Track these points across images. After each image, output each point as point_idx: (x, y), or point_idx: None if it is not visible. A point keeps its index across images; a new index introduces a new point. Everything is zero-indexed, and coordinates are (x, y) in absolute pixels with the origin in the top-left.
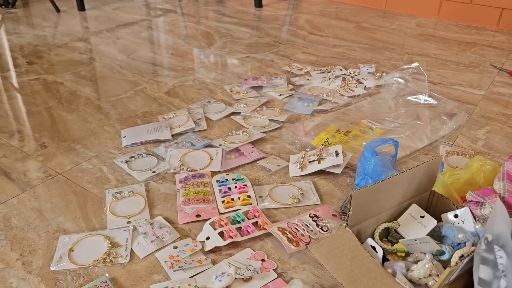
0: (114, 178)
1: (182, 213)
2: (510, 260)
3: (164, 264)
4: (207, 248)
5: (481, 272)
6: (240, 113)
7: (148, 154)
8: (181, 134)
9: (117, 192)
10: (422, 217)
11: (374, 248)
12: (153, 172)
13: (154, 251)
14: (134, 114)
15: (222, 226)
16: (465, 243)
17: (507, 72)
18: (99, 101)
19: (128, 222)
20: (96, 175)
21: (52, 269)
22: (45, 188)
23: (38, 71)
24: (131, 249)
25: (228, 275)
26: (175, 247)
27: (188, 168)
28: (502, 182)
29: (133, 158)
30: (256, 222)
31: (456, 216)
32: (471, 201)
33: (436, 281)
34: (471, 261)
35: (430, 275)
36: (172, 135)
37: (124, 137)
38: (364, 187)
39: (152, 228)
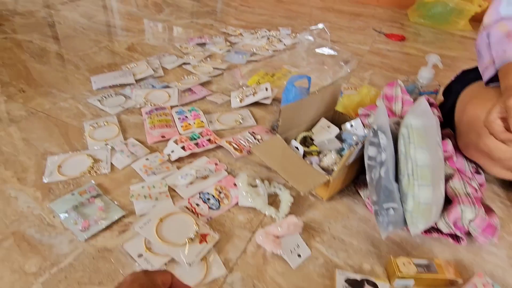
0: (90, 113)
1: (150, 135)
2: (388, 141)
3: (139, 171)
4: (173, 159)
5: (369, 151)
6: (189, 63)
7: (117, 94)
8: (142, 79)
9: (94, 123)
10: (329, 127)
11: (297, 148)
12: (123, 107)
13: (131, 163)
14: (100, 65)
15: (183, 142)
16: (357, 143)
17: (383, 34)
18: (68, 55)
19: (106, 144)
20: (74, 111)
21: (45, 181)
22: (29, 123)
23: (7, 31)
24: (111, 163)
25: (191, 175)
26: (147, 159)
27: (151, 104)
28: (382, 100)
29: (104, 98)
30: (209, 139)
31: (351, 125)
32: (361, 114)
33: None
34: (362, 148)
35: (335, 163)
36: (136, 80)
37: (94, 82)
38: (289, 103)
39: (126, 146)
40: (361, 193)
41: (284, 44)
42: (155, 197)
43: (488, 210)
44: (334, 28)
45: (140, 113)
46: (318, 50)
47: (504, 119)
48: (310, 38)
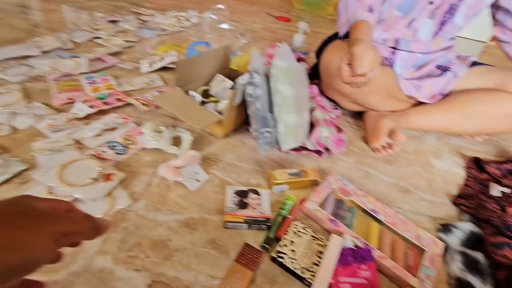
0: None
1: (57, 98)
2: (261, 80)
3: (44, 130)
4: (81, 116)
5: (248, 90)
6: (101, 37)
7: (21, 65)
8: (49, 51)
9: None
10: (224, 81)
11: (194, 96)
12: (27, 76)
13: (34, 124)
14: (4, 40)
15: (90, 101)
16: None
17: (274, 17)
18: None
19: (6, 109)
20: None
21: None
22: None
23: None
24: (12, 125)
25: (98, 128)
26: (53, 119)
27: (59, 72)
28: (266, 58)
29: (6, 68)
30: (118, 98)
31: (242, 79)
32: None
33: None
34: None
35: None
36: (43, 52)
37: None
38: (185, 58)
39: (30, 109)
40: (250, 129)
41: (192, 22)
42: (59, 150)
43: (339, 129)
44: (235, 11)
45: (46, 80)
46: (219, 26)
47: (350, 65)
48: (213, 16)
